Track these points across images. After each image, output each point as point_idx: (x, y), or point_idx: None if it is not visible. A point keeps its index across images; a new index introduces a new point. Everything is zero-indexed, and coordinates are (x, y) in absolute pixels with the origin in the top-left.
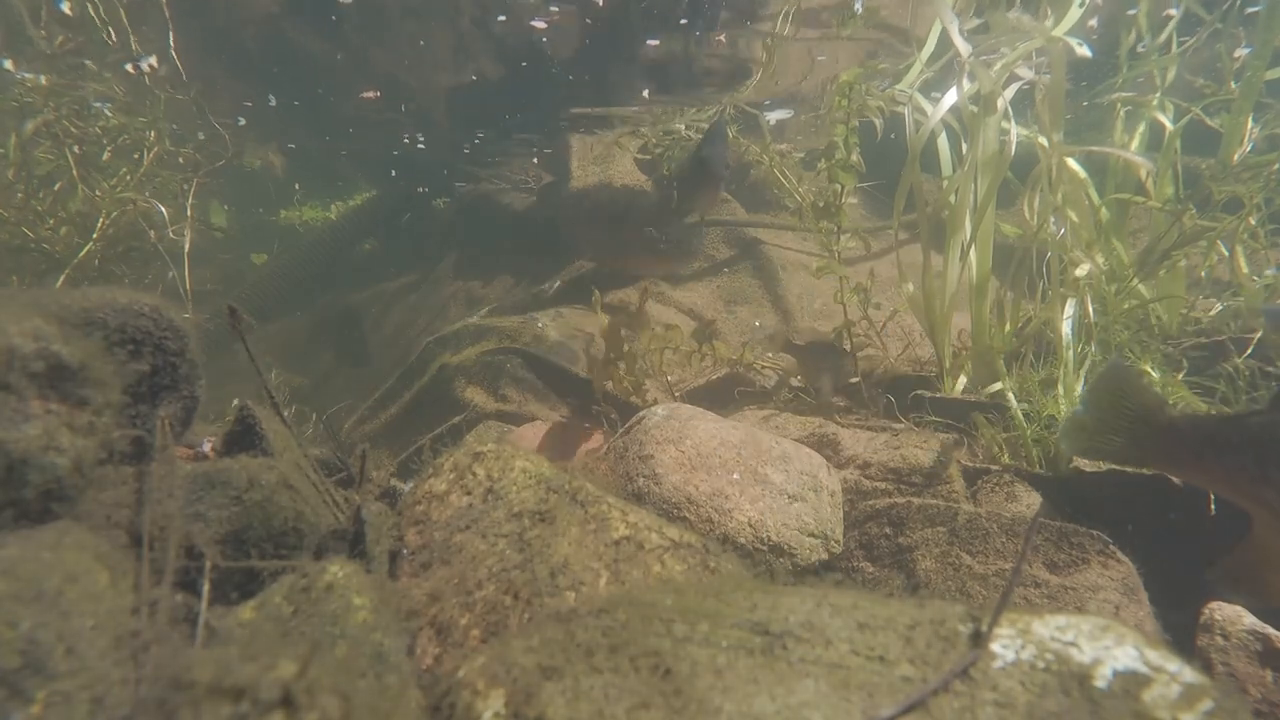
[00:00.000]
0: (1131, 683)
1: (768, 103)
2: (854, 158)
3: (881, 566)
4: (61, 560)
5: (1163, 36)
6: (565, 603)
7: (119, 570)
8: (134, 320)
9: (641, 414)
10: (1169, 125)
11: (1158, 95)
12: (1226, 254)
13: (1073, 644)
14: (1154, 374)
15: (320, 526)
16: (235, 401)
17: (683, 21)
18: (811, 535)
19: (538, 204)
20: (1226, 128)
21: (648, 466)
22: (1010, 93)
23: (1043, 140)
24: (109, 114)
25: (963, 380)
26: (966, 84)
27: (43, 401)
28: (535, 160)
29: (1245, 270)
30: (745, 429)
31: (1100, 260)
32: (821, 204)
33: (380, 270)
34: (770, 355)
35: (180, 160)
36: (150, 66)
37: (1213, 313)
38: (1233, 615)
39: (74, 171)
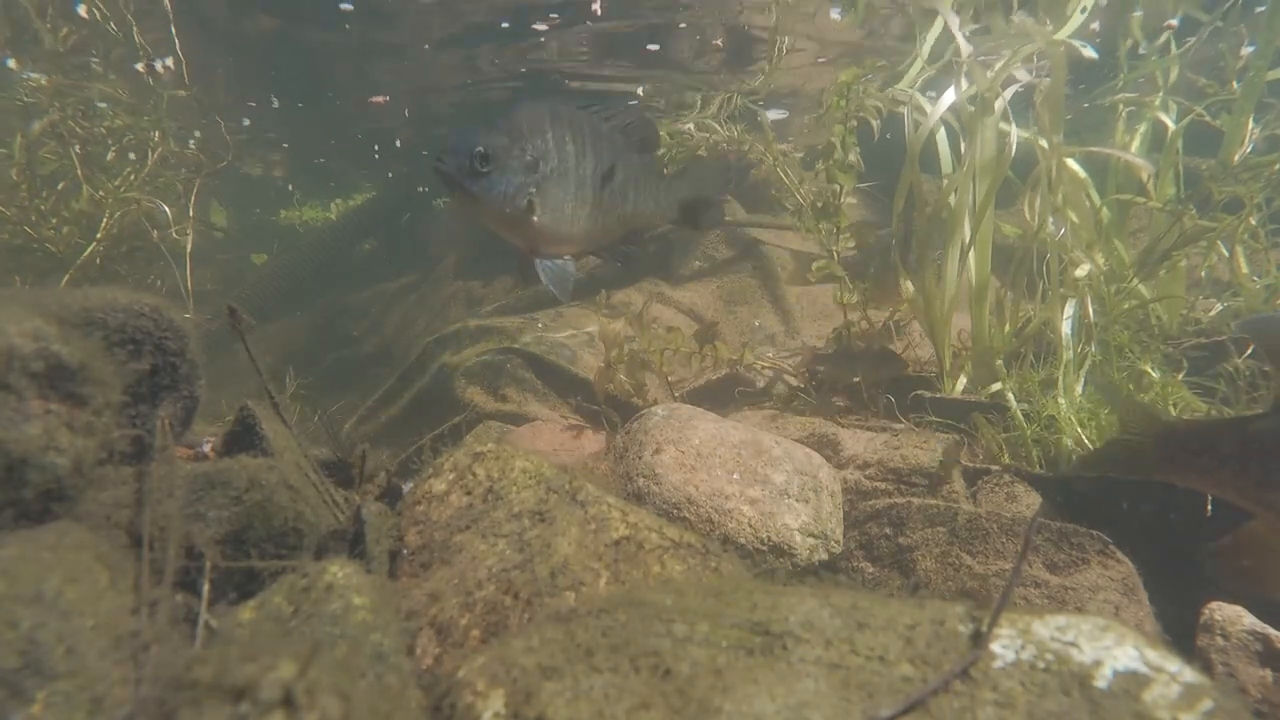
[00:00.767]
0: (1131, 683)
1: (761, 102)
2: (852, 158)
3: (881, 566)
4: (61, 560)
5: (1161, 40)
6: (565, 603)
7: (119, 570)
8: (134, 320)
9: (641, 414)
10: (1171, 125)
11: (1159, 95)
12: (1226, 254)
13: (1073, 644)
14: (1154, 374)
15: (320, 526)
16: (243, 405)
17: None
18: (811, 535)
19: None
20: (1227, 128)
21: (648, 467)
22: (1009, 93)
23: (1042, 142)
24: (113, 114)
25: (963, 380)
26: (965, 84)
27: (43, 401)
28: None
29: (1245, 270)
30: (745, 429)
31: (1100, 261)
32: (820, 204)
33: (380, 270)
34: (770, 355)
35: (184, 159)
36: (165, 68)
37: (1213, 313)
38: (1233, 615)
39: (79, 171)
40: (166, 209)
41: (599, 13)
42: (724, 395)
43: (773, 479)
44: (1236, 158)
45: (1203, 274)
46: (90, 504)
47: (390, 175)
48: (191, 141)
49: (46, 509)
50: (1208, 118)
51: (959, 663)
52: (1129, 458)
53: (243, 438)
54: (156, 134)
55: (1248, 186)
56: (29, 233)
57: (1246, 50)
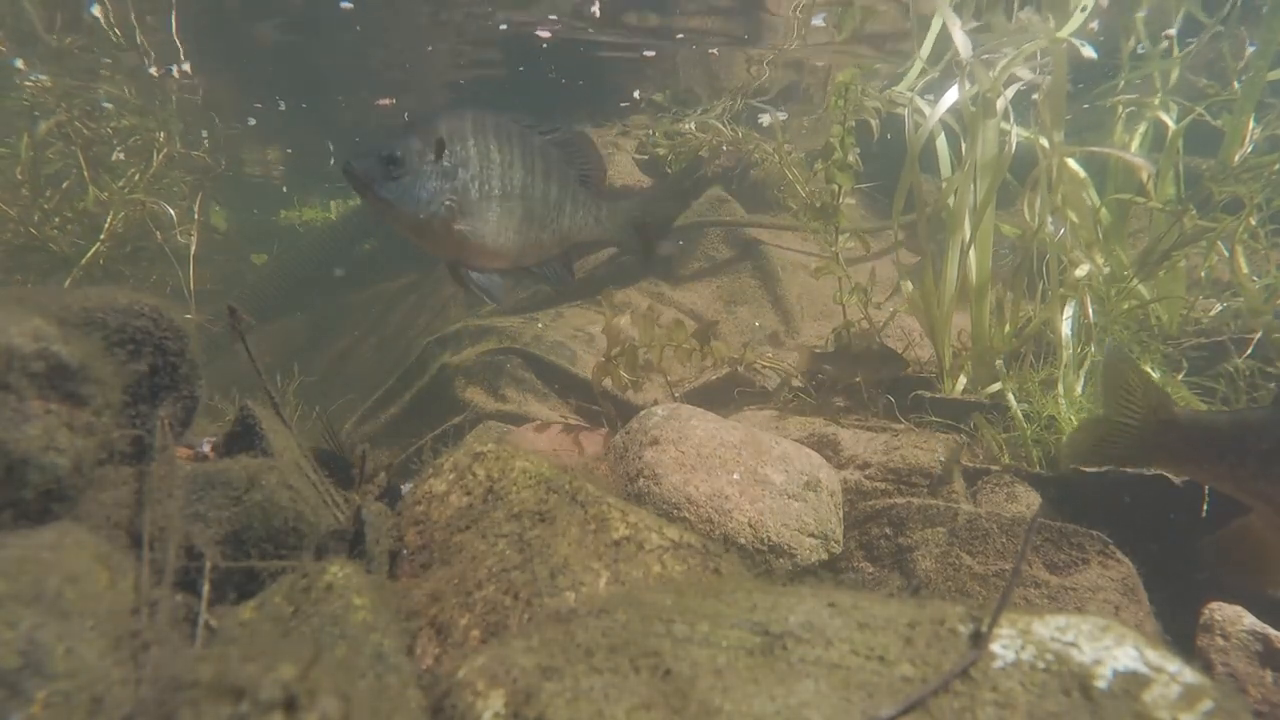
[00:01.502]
0: (1131, 683)
1: (756, 101)
2: (850, 158)
3: (881, 567)
4: (61, 560)
5: (1163, 45)
6: (565, 603)
7: (119, 570)
8: (134, 320)
9: (641, 414)
10: (1171, 125)
11: (1159, 96)
12: (1226, 254)
13: (1073, 644)
14: (1154, 374)
15: (320, 526)
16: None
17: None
18: (811, 535)
19: None
20: (1228, 128)
21: (648, 466)
22: (1010, 93)
23: (1043, 141)
24: (119, 114)
25: (963, 380)
26: (966, 84)
27: (43, 401)
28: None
29: (1245, 270)
30: (745, 429)
31: (1100, 261)
32: (818, 204)
33: (380, 270)
34: (771, 355)
35: (188, 160)
36: (182, 72)
37: (1213, 313)
38: (1233, 615)
39: (85, 172)
40: (172, 210)
41: (597, 14)
42: (724, 395)
43: (773, 479)
44: (1236, 158)
45: (1203, 274)
46: (90, 504)
47: None
48: (204, 142)
49: (46, 509)
50: (1208, 118)
51: (959, 663)
52: (1124, 445)
53: (243, 438)
54: (162, 135)
55: (1248, 186)
56: (31, 232)
57: (1248, 50)
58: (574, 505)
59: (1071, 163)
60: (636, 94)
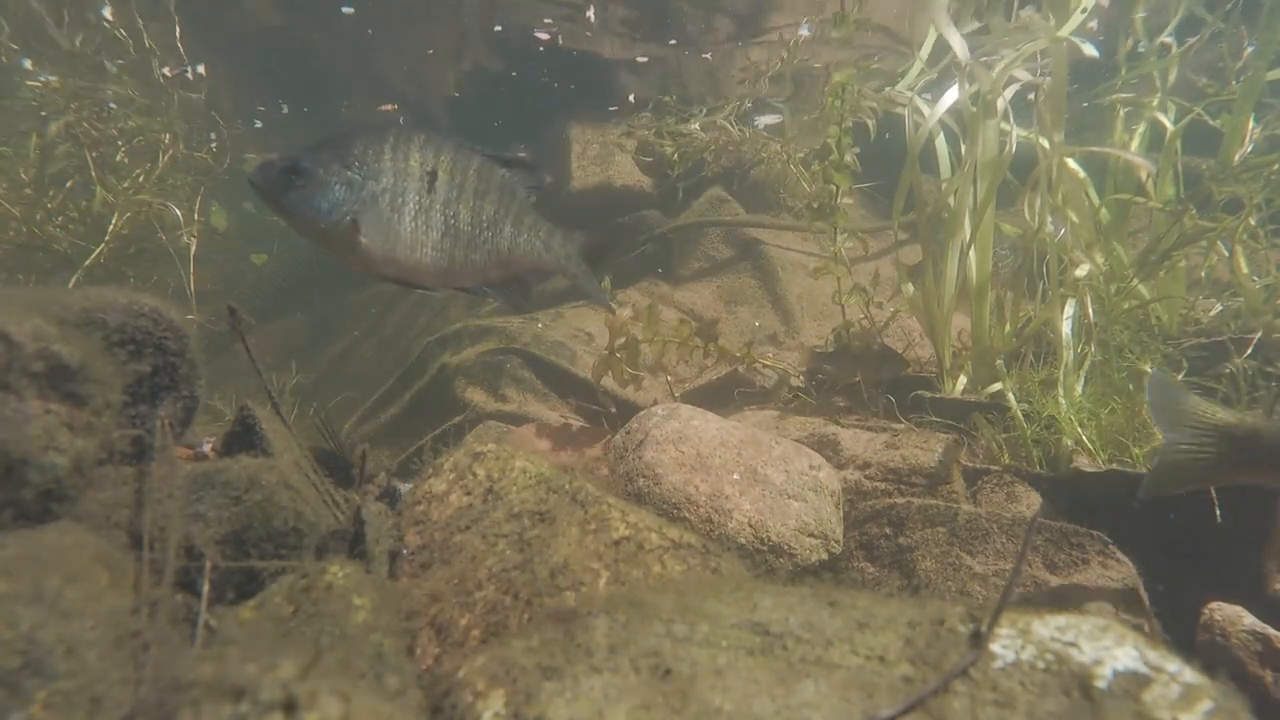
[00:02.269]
0: (1131, 683)
1: (750, 104)
2: (848, 158)
3: (881, 566)
4: (61, 560)
5: (1165, 34)
6: (565, 603)
7: (119, 570)
8: (134, 320)
9: (641, 414)
10: (1169, 125)
11: (1158, 96)
12: (1226, 254)
13: (1073, 644)
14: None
15: (320, 526)
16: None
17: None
18: (811, 535)
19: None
20: (1227, 128)
21: (647, 467)
22: (1010, 93)
23: (1044, 141)
24: (125, 115)
25: (963, 380)
26: (966, 85)
27: (43, 401)
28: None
29: (1245, 270)
30: (745, 429)
31: (1100, 261)
32: (816, 205)
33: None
34: (771, 355)
35: (191, 161)
36: (196, 74)
37: (1213, 313)
38: (1233, 615)
39: (93, 173)
40: (178, 211)
41: (592, 19)
42: (724, 395)
43: (773, 479)
44: (1236, 158)
45: (1203, 274)
46: (90, 504)
47: None
48: (212, 144)
49: (46, 509)
50: (1207, 118)
51: (959, 663)
52: (1204, 468)
53: (243, 438)
54: (167, 136)
55: (1248, 186)
56: (34, 232)
57: (1247, 51)
58: (574, 505)
59: (1071, 163)
60: (632, 97)
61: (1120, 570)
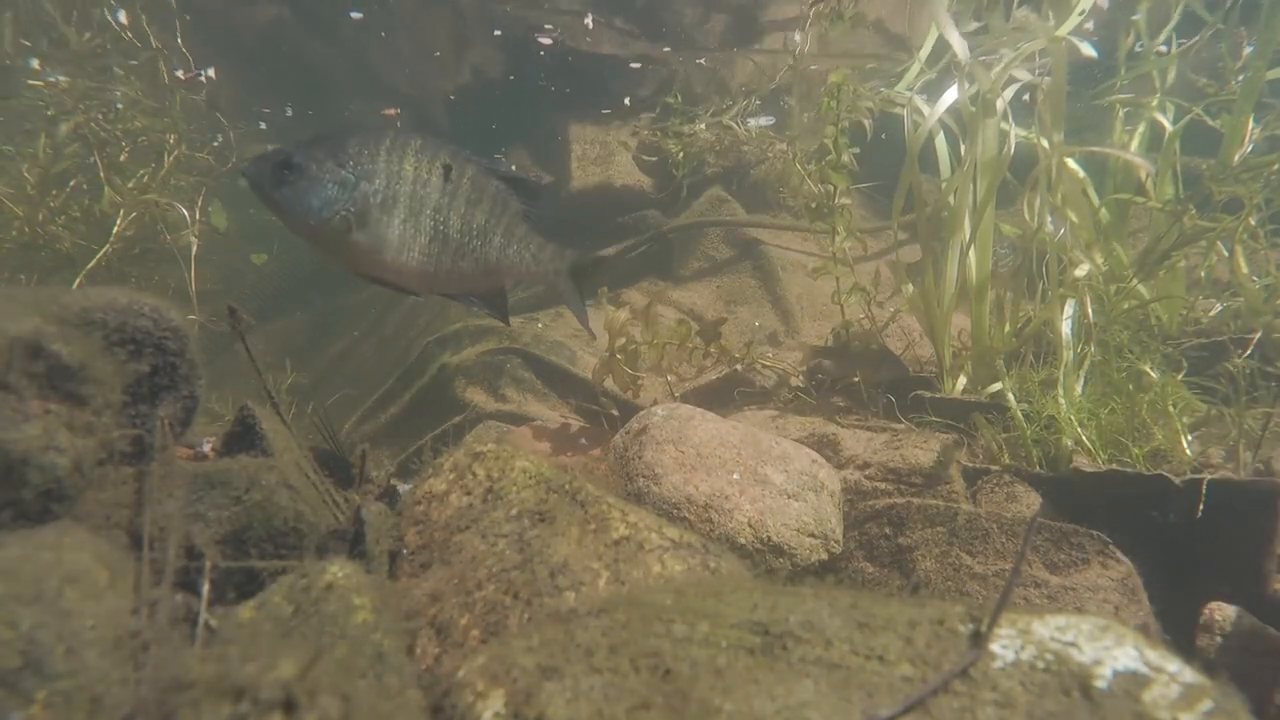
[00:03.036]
0: (1131, 683)
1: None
2: (845, 158)
3: (881, 566)
4: (61, 560)
5: (1161, 38)
6: (565, 603)
7: (119, 570)
8: (134, 320)
9: (641, 414)
10: (1168, 126)
11: (1157, 96)
12: (1226, 254)
13: (1073, 644)
14: (1153, 374)
15: (320, 526)
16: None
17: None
18: (811, 535)
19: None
20: (1227, 128)
21: (647, 466)
22: (1009, 93)
23: (1043, 141)
24: (131, 116)
25: (963, 380)
26: (966, 84)
27: (42, 401)
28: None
29: (1245, 270)
30: (745, 429)
31: (1100, 260)
32: (814, 205)
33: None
34: (771, 355)
35: (196, 162)
36: (208, 77)
37: (1213, 313)
38: (1233, 615)
39: (101, 174)
40: (185, 211)
41: (590, 25)
42: (724, 395)
43: (772, 479)
44: (1236, 158)
45: (1203, 274)
46: (90, 504)
47: None
48: (217, 144)
49: (46, 509)
50: (1206, 118)
51: (959, 663)
52: None
53: (243, 438)
54: (172, 137)
55: (1248, 186)
56: (37, 232)
57: (1246, 51)
58: (574, 505)
59: (1071, 162)
60: (627, 101)
61: (1120, 570)
